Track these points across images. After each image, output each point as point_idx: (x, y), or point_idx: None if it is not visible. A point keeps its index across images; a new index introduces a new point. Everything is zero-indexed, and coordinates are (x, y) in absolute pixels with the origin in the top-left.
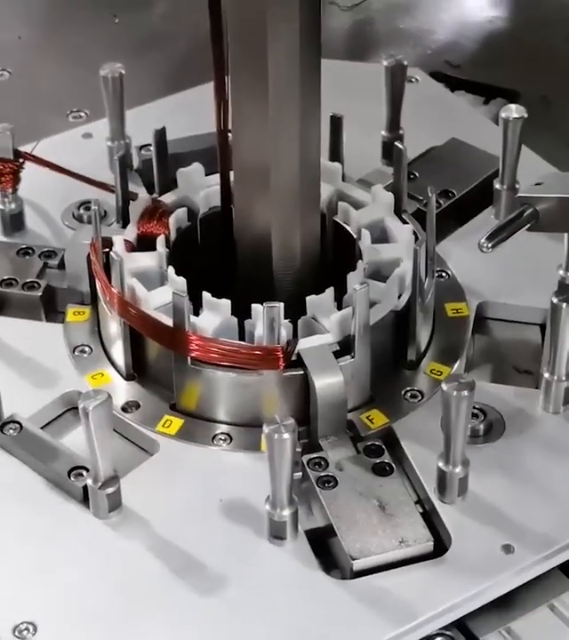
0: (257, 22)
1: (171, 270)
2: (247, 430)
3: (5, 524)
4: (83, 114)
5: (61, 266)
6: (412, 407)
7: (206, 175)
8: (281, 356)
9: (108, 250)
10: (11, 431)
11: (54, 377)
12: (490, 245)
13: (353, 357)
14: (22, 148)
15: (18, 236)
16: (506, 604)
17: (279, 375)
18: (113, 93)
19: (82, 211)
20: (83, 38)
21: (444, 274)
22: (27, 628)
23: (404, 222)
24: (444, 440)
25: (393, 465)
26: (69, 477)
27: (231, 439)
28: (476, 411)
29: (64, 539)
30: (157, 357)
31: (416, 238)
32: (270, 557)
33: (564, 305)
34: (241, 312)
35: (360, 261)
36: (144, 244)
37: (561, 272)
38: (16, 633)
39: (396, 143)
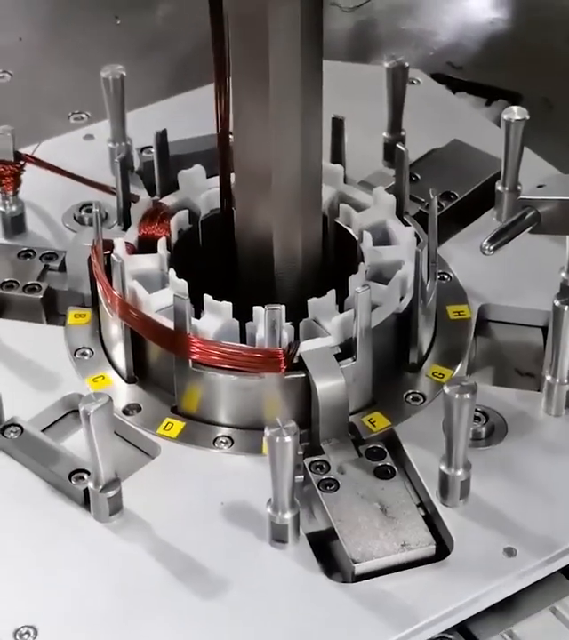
0: (258, 24)
1: (172, 273)
2: (249, 433)
3: (6, 527)
4: (84, 115)
5: (62, 268)
6: (414, 410)
7: (208, 177)
8: (282, 358)
9: (109, 252)
10: (11, 434)
11: (55, 380)
12: (492, 248)
13: (354, 360)
14: (23, 150)
15: (19, 239)
16: (508, 608)
17: (281, 378)
18: (114, 95)
19: (83, 213)
20: (84, 39)
21: (445, 276)
22: (27, 632)
23: (406, 224)
24: (446, 443)
25: (395, 468)
26: (70, 480)
27: (232, 442)
28: (478, 413)
29: (65, 542)
30: (158, 360)
31: (418, 240)
32: (272, 561)
33: (567, 307)
34: (242, 314)
35: (362, 264)
36: (145, 246)
37: (563, 274)
38: (17, 636)
39: (397, 145)
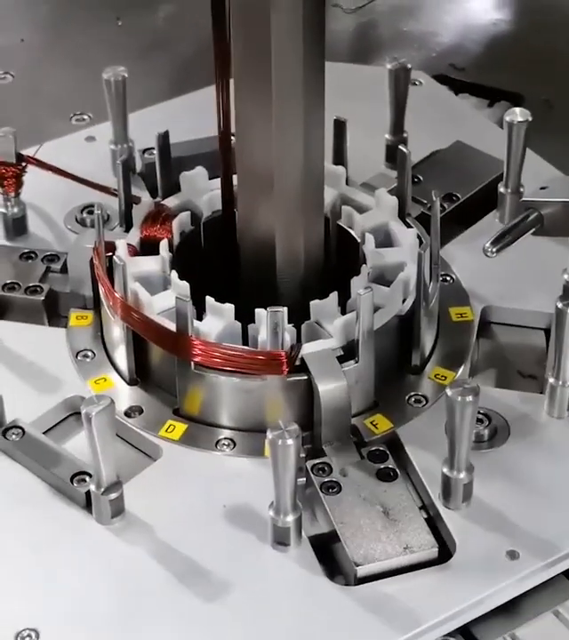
0: (260, 25)
1: (174, 274)
2: (251, 435)
3: (8, 529)
4: (86, 117)
5: (64, 270)
6: (417, 412)
7: (210, 179)
8: (284, 360)
9: (110, 254)
10: (13, 436)
11: (57, 382)
12: (494, 250)
13: (357, 362)
14: (25, 152)
15: (20, 240)
16: (510, 611)
17: (283, 380)
18: (116, 96)
19: (85, 214)
20: (86, 41)
21: (448, 278)
22: (29, 635)
23: (409, 226)
24: (448, 445)
25: (397, 470)
26: (72, 483)
27: (235, 444)
28: (480, 416)
29: (67, 544)
30: (160, 362)
31: (420, 242)
32: (274, 563)
33: None
34: (244, 317)
35: (364, 266)
36: (147, 248)
37: (566, 276)
38: (18, 639)
39: (400, 147)
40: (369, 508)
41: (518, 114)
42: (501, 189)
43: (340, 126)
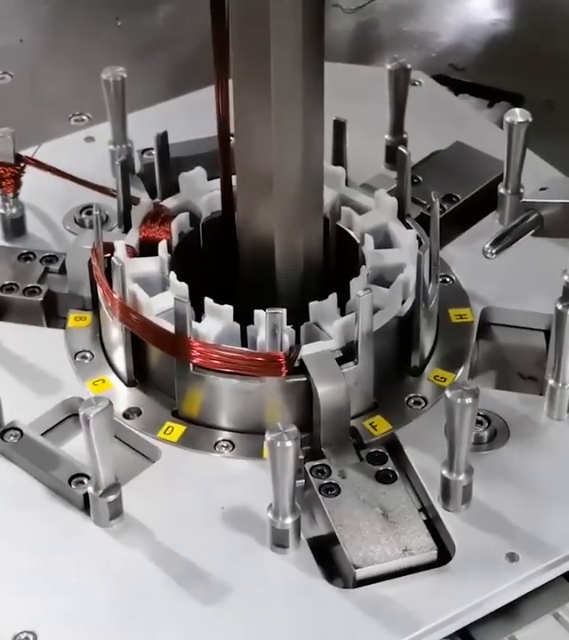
0: (260, 25)
1: (172, 276)
2: (250, 437)
3: (5, 531)
4: (84, 117)
5: (63, 271)
6: (416, 414)
7: (209, 179)
8: (283, 362)
9: (109, 255)
10: (11, 438)
11: (55, 383)
12: (494, 251)
13: (356, 364)
14: (23, 152)
15: (19, 241)
16: (510, 613)
17: (282, 382)
18: (115, 97)
19: (83, 215)
20: (85, 41)
21: (447, 279)
22: (27, 638)
23: (408, 227)
24: (447, 447)
25: (396, 472)
26: (70, 485)
27: (233, 446)
28: (480, 417)
29: (65, 546)
30: (159, 363)
31: (420, 243)
32: (272, 566)
33: None
34: (243, 318)
35: (363, 266)
36: (146, 249)
37: (566, 277)
38: None
39: (399, 147)
40: (368, 510)
41: (518, 114)
42: (501, 190)
43: (339, 127)
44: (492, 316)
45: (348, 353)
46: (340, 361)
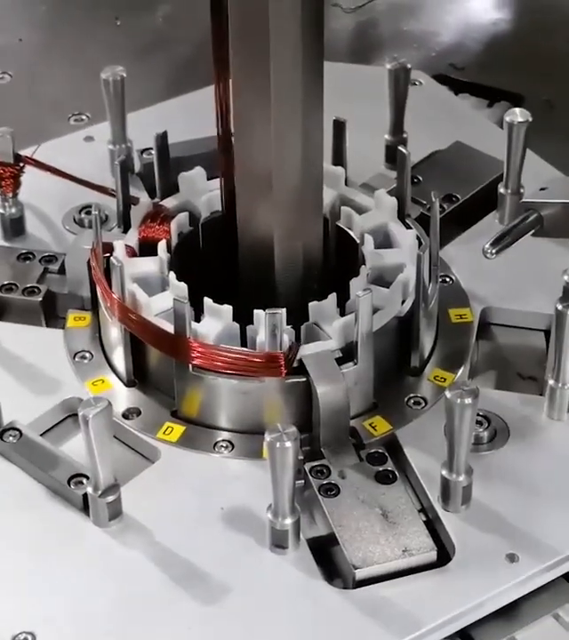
0: (259, 25)
1: (172, 276)
2: (249, 437)
3: (4, 531)
4: (84, 117)
5: (62, 271)
6: (416, 414)
7: (208, 179)
8: (282, 362)
9: (108, 255)
10: (10, 438)
11: (54, 383)
12: (494, 251)
13: (356, 364)
14: (23, 152)
15: (18, 241)
16: (510, 614)
17: (281, 382)
18: (114, 96)
19: (83, 215)
20: (84, 41)
21: (447, 279)
22: (26, 638)
23: (408, 227)
24: (447, 448)
25: (396, 473)
26: (69, 485)
27: (233, 446)
28: (480, 418)
29: (64, 547)
30: (158, 364)
31: (420, 243)
32: (272, 566)
33: None
34: (243, 318)
35: (363, 266)
36: (145, 248)
37: (566, 277)
38: None
39: (399, 147)
40: (368, 510)
41: (518, 114)
42: (501, 190)
43: (339, 127)
44: (491, 316)
45: (347, 353)
46: (340, 361)
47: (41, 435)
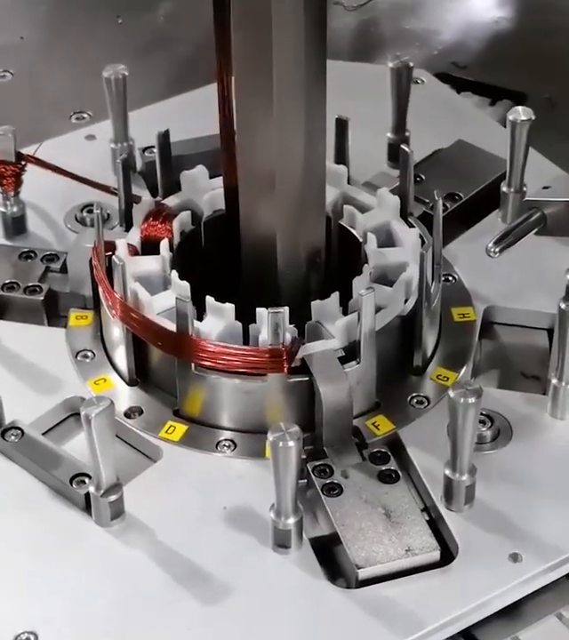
0: (262, 23)
1: (174, 274)
2: (252, 437)
3: (6, 531)
4: (86, 115)
5: (64, 269)
6: (419, 413)
7: (210, 178)
8: (285, 357)
9: (110, 253)
10: (12, 437)
11: (56, 382)
12: (497, 250)
13: (359, 363)
14: (24, 150)
15: (20, 240)
16: (513, 614)
17: (284, 381)
18: (116, 95)
19: (85, 213)
20: (86, 39)
21: (450, 278)
22: (28, 638)
23: (411, 226)
24: (450, 447)
25: (399, 472)
26: (71, 484)
27: (235, 446)
28: (483, 417)
29: (66, 547)
30: (161, 363)
31: (422, 242)
32: (275, 566)
33: None
34: (245, 317)
35: (366, 265)
36: (147, 247)
37: None
38: None
39: (402, 146)
40: (371, 510)
41: (521, 113)
42: (504, 189)
43: (341, 125)
44: (494, 315)
45: (350, 352)
46: (343, 360)
47: (43, 434)
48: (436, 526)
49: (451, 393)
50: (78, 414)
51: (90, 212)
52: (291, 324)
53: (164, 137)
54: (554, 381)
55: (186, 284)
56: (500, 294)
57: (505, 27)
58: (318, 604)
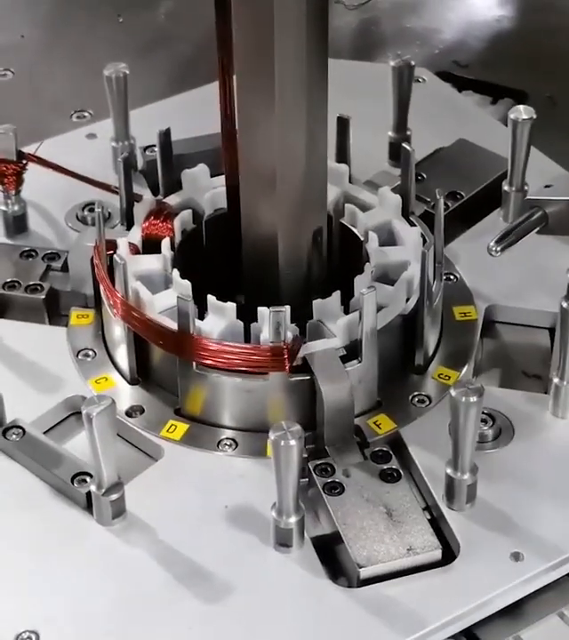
0: (263, 22)
1: (175, 273)
2: (253, 435)
3: (7, 530)
4: (86, 114)
5: (65, 268)
6: (420, 412)
7: (212, 176)
8: (286, 355)
9: (112, 252)
10: (13, 436)
11: (57, 381)
12: (499, 249)
13: (360, 362)
14: (25, 149)
15: (21, 238)
16: (515, 613)
17: (285, 380)
18: (117, 93)
19: (86, 212)
20: (86, 38)
21: (452, 277)
22: (29, 637)
23: (412, 225)
24: (452, 446)
25: (400, 471)
26: (73, 483)
27: (237, 444)
28: (484, 416)
29: (67, 546)
30: (162, 361)
31: (424, 241)
32: (276, 565)
33: None
34: (247, 316)
35: (367, 264)
36: (148, 246)
37: None
38: None
39: (403, 144)
40: (372, 509)
41: (523, 111)
42: (505, 187)
43: (343, 124)
44: (496, 314)
45: (351, 351)
46: (344, 359)
47: (44, 433)
48: (438, 525)
49: (453, 392)
50: (79, 413)
51: (91, 210)
52: (292, 322)
53: (166, 135)
54: (555, 380)
55: (187, 283)
56: (502, 293)
57: (506, 25)
58: (320, 603)
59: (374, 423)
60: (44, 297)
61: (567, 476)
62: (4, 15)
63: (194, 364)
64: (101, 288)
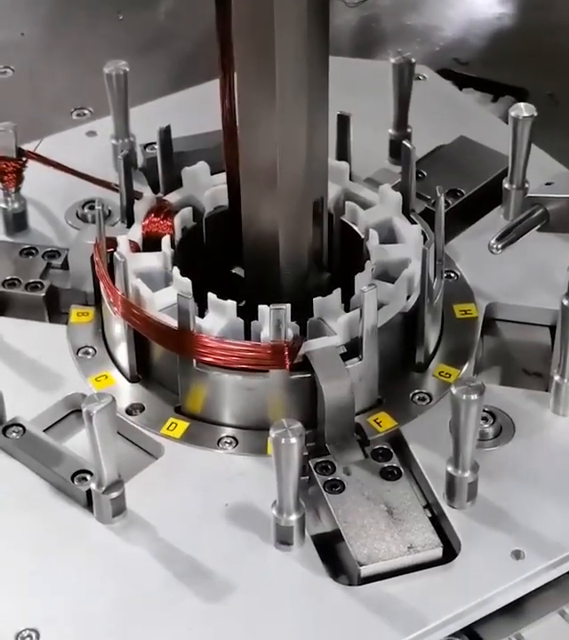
0: (264, 19)
1: (176, 271)
2: (253, 433)
3: (7, 528)
4: (86, 111)
5: (65, 266)
6: (421, 410)
7: (212, 174)
8: (287, 353)
9: (112, 250)
10: (13, 434)
11: (57, 379)
12: (500, 246)
13: (361, 360)
14: (25, 147)
15: (21, 236)
16: (516, 611)
17: (286, 378)
18: (117, 91)
19: (86, 210)
20: (87, 35)
21: (452, 274)
22: (29, 636)
23: (413, 222)
24: (453, 444)
25: (401, 469)
26: (73, 481)
27: (237, 442)
28: (485, 414)
29: (67, 544)
30: (162, 359)
31: (424, 238)
32: (277, 563)
33: None
34: (247, 313)
35: (368, 262)
36: (149, 244)
37: None
38: None
39: (404, 142)
40: (373, 506)
41: (523, 109)
42: (506, 185)
43: (343, 121)
44: (496, 312)
45: (352, 349)
46: (345, 357)
47: (44, 431)
48: (439, 523)
49: (453, 390)
50: (80, 411)
51: (91, 208)
52: (293, 320)
53: (166, 133)
54: (556, 378)
55: (187, 281)
56: (503, 291)
57: (507, 23)
58: (320, 601)
59: (375, 421)
60: (44, 295)
61: (568, 473)
62: (4, 13)
63: (194, 361)
64: (101, 286)
